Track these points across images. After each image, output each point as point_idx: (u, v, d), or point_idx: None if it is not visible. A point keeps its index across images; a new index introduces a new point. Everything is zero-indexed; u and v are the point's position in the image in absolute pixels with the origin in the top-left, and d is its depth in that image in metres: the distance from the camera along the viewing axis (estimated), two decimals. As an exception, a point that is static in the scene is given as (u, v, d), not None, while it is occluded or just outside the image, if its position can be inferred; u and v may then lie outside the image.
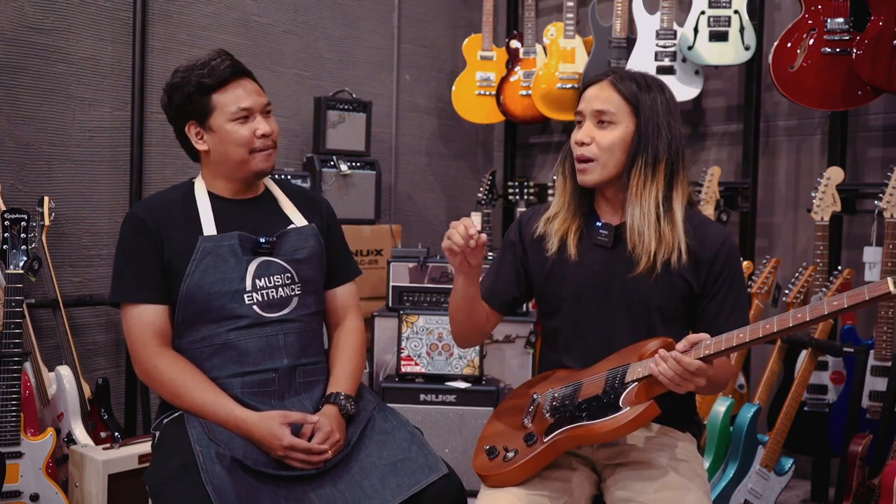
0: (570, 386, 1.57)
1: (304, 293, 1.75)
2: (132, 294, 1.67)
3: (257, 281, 1.69)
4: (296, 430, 1.58)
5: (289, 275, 1.73)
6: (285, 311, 1.71)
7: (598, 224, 1.63)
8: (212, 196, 1.76)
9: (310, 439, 1.57)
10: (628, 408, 1.42)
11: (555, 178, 1.74)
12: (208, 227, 1.70)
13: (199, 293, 1.65)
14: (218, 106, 1.70)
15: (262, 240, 1.71)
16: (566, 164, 1.68)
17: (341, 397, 1.68)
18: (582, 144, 1.60)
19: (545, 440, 1.49)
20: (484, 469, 1.55)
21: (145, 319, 1.66)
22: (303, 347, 1.73)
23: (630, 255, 1.57)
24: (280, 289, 1.71)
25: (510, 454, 1.53)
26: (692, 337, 1.40)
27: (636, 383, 1.45)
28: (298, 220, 1.81)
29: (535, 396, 1.63)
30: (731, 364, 1.58)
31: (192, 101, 1.70)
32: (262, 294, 1.69)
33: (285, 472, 1.54)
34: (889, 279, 1.18)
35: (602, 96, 1.59)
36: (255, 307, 1.68)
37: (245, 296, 1.67)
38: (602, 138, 1.58)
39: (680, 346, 1.40)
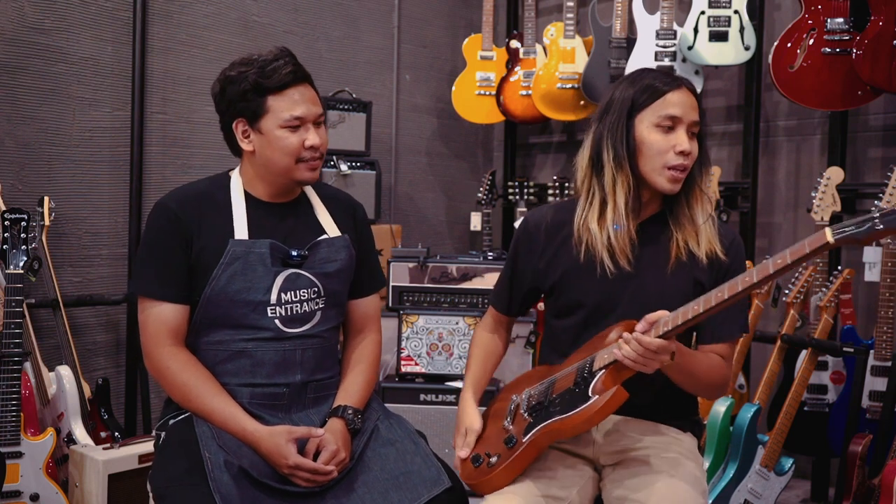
0: (544, 383, 1.58)
1: (327, 306, 1.71)
2: (153, 289, 1.63)
3: (283, 295, 1.64)
4: (301, 443, 1.55)
5: (315, 289, 1.68)
6: (307, 327, 1.67)
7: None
8: (247, 196, 1.71)
9: (316, 455, 1.54)
10: (597, 396, 1.42)
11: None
12: (240, 230, 1.65)
13: (223, 299, 1.61)
14: (271, 109, 1.63)
15: (294, 253, 1.66)
16: (623, 154, 1.55)
17: (349, 411, 1.64)
18: (689, 155, 1.54)
19: (524, 440, 1.50)
20: (471, 478, 1.56)
21: (163, 317, 1.62)
22: (318, 362, 1.69)
23: (650, 258, 1.57)
24: (305, 303, 1.67)
25: (493, 459, 1.54)
26: (650, 316, 1.39)
27: (604, 371, 1.45)
28: (332, 229, 1.75)
29: (514, 398, 1.64)
30: (722, 365, 1.57)
31: (245, 98, 1.63)
32: (285, 308, 1.65)
33: (290, 487, 1.52)
34: (827, 229, 1.22)
35: (694, 105, 1.55)
36: (276, 321, 1.64)
37: (268, 308, 1.63)
38: (694, 149, 1.56)
39: (639, 326, 1.40)
